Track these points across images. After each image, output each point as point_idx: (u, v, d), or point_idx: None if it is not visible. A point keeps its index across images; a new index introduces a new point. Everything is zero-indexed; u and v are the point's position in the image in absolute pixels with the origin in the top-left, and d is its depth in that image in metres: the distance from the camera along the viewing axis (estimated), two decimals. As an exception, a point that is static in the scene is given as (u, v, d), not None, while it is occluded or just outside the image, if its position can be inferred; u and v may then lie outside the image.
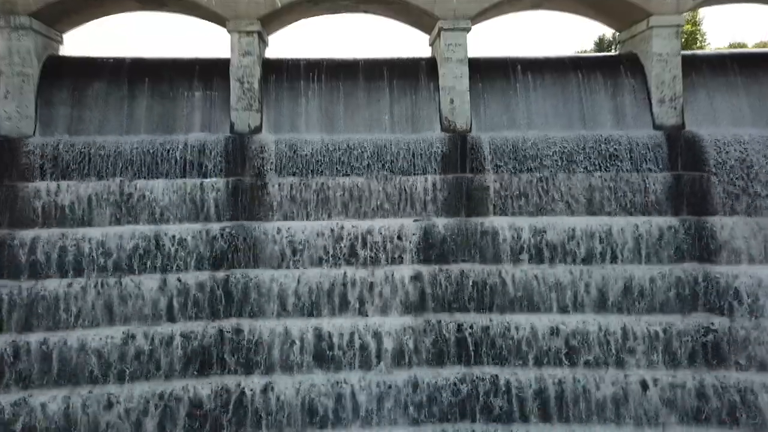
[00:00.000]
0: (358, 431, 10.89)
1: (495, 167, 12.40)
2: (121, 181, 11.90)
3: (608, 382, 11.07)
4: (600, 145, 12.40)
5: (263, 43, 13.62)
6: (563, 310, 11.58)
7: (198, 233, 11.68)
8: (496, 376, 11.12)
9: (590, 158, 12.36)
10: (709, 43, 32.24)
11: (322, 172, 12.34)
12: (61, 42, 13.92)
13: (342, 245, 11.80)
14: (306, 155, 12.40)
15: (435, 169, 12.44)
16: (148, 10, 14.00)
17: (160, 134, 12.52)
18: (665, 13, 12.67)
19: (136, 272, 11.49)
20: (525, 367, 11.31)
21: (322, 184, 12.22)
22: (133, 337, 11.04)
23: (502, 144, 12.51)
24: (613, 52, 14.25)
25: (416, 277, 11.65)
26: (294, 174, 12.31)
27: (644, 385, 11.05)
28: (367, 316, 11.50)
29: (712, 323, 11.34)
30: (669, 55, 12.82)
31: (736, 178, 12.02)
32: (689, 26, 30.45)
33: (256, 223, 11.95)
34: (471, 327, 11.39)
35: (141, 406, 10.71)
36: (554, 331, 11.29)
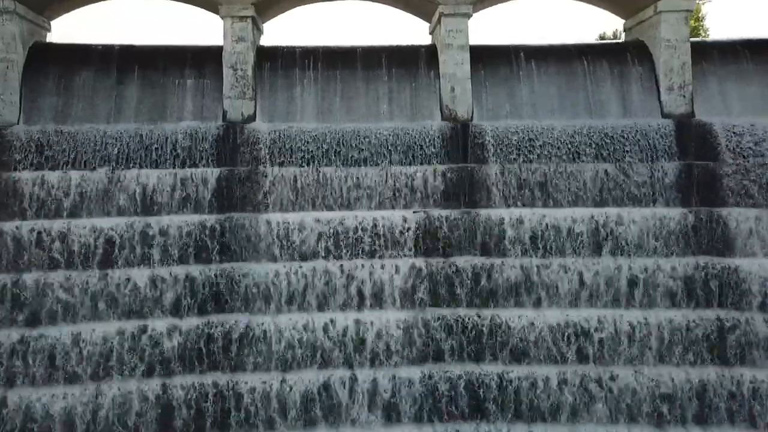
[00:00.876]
0: (357, 431, 10.39)
1: (497, 157, 11.94)
2: (108, 171, 11.42)
3: (617, 379, 10.56)
4: (607, 134, 11.95)
5: (257, 30, 13.17)
6: (569, 304, 11.11)
7: (188, 225, 11.20)
8: (500, 373, 10.63)
9: (596, 147, 11.91)
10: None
11: (318, 162, 11.88)
12: (48, 29, 13.48)
13: (338, 237, 11.33)
14: (301, 145, 11.94)
15: (435, 159, 11.99)
16: (139, -4, 13.58)
17: (150, 123, 12.06)
18: (674, -3, 12.25)
19: (125, 265, 10.99)
20: (530, 364, 10.84)
21: (318, 174, 11.76)
22: (122, 333, 10.53)
23: (505, 133, 12.05)
24: (619, 41, 13.65)
25: (415, 271, 11.17)
26: (289, 164, 11.85)
27: (653, 383, 10.55)
28: (364, 310, 11.03)
29: (724, 318, 10.85)
30: (678, 41, 12.37)
31: (749, 168, 11.54)
32: (693, 22, 29.97)
33: (249, 214, 11.49)
34: (473, 322, 10.90)
35: (126, 403, 10.20)
36: (560, 326, 10.81)
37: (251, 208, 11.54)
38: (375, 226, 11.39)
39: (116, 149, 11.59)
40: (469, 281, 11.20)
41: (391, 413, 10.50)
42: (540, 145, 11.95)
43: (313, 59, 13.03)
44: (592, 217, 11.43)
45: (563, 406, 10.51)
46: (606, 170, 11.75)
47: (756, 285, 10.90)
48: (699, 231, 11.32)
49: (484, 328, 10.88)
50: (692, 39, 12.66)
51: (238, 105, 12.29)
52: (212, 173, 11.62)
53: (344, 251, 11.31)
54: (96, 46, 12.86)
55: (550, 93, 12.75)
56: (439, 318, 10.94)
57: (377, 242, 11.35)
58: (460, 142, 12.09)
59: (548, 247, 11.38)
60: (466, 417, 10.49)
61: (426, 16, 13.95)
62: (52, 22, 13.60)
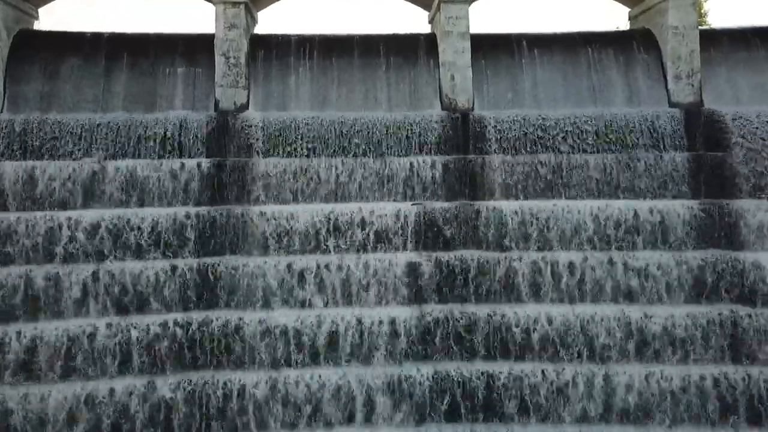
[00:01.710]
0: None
1: (500, 147, 11.52)
2: (94, 161, 10.99)
3: (625, 377, 10.11)
4: (612, 124, 11.52)
5: (251, 17, 12.75)
6: (575, 299, 10.65)
7: (178, 217, 10.76)
8: (502, 371, 10.17)
9: (602, 137, 11.49)
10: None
11: (313, 152, 11.45)
12: (35, 17, 13.07)
13: (334, 231, 10.89)
14: (296, 134, 11.51)
15: (435, 150, 11.57)
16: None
17: (139, 112, 11.65)
18: (682, -17, 11.83)
19: (111, 258, 10.55)
20: (534, 361, 10.38)
21: (313, 165, 11.32)
22: (109, 326, 10.10)
23: (507, 122, 11.62)
24: (624, 29, 13.26)
25: (414, 265, 10.74)
26: (282, 154, 11.42)
27: (664, 380, 10.09)
28: (361, 306, 10.57)
29: (736, 313, 10.40)
30: (686, 28, 11.95)
31: (761, 159, 11.10)
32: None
33: (242, 206, 11.06)
34: (473, 318, 10.45)
35: (114, 403, 9.76)
36: (566, 323, 10.36)
37: (243, 200, 11.12)
38: (372, 218, 10.97)
39: (103, 139, 11.17)
40: (469, 276, 10.76)
41: (388, 413, 10.02)
42: (543, 135, 11.53)
43: (308, 47, 12.63)
44: (598, 209, 10.99)
45: (569, 405, 10.04)
46: (612, 161, 11.33)
47: (769, 280, 10.46)
48: (709, 224, 10.88)
49: (485, 325, 10.41)
50: (700, 27, 12.20)
51: (230, 94, 11.88)
52: (202, 163, 11.19)
53: (340, 245, 10.88)
54: (84, 33, 12.46)
55: (553, 82, 12.34)
56: (438, 314, 10.49)
57: (374, 236, 10.92)
58: (461, 132, 11.67)
59: (552, 241, 10.94)
60: (469, 417, 10.03)
61: (425, 4, 13.54)
62: (40, 10, 13.19)
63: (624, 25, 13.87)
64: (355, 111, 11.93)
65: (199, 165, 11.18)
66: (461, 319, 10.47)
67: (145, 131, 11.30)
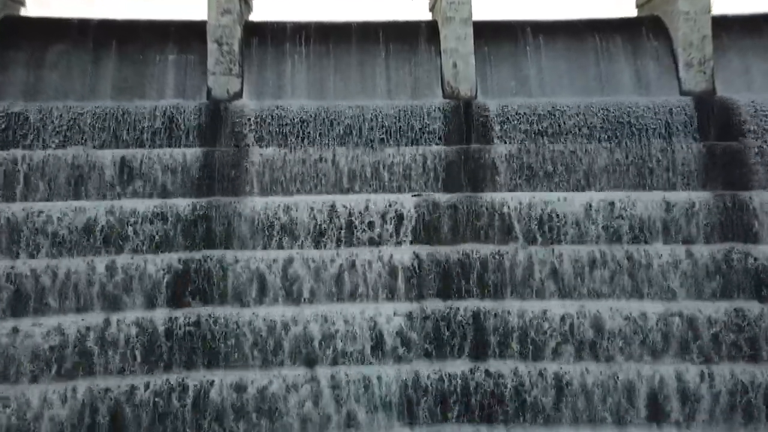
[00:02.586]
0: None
1: (503, 137, 11.06)
2: (81, 150, 10.52)
3: (636, 376, 9.62)
4: (622, 113, 11.05)
5: (245, 3, 12.31)
6: (582, 295, 10.16)
7: (168, 209, 10.30)
8: (506, 370, 9.68)
9: (610, 127, 11.02)
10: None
11: (309, 141, 10.98)
12: (22, 3, 12.61)
13: (331, 223, 10.42)
14: (291, 123, 11.06)
15: (436, 139, 11.12)
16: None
17: (128, 100, 11.18)
18: (693, -34, 11.38)
19: (98, 252, 10.08)
20: (539, 360, 9.89)
21: (309, 155, 10.86)
22: (95, 325, 9.61)
23: (511, 111, 11.16)
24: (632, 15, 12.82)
25: (415, 259, 10.26)
26: (277, 144, 10.96)
27: (678, 378, 9.60)
28: (359, 302, 10.10)
29: (751, 310, 9.90)
30: (697, 13, 11.49)
31: (777, 148, 10.64)
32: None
33: (234, 198, 10.59)
34: (476, 314, 9.96)
35: (90, 402, 9.27)
36: (573, 320, 9.86)
37: (235, 192, 10.65)
38: (370, 210, 10.49)
39: (90, 127, 10.70)
40: (472, 270, 10.27)
41: (387, 413, 9.53)
42: (549, 125, 11.06)
43: (305, 35, 12.22)
44: (607, 201, 10.51)
45: (581, 406, 9.54)
46: (621, 151, 10.86)
47: (786, 274, 9.97)
48: (723, 216, 10.39)
49: (489, 321, 9.93)
50: (712, 13, 11.72)
51: (223, 81, 11.43)
52: (193, 154, 10.73)
53: (337, 238, 10.40)
54: (72, 19, 12.03)
55: (559, 70, 11.92)
56: (440, 310, 10.00)
57: (373, 228, 10.44)
58: (463, 120, 11.21)
59: (558, 234, 10.46)
60: (473, 418, 9.54)
61: (426, -10, 13.10)
62: (31, 2, 12.74)
63: (630, 14, 13.39)
64: (353, 100, 11.48)
65: (190, 155, 10.70)
66: (464, 315, 9.96)
67: (135, 120, 10.82)
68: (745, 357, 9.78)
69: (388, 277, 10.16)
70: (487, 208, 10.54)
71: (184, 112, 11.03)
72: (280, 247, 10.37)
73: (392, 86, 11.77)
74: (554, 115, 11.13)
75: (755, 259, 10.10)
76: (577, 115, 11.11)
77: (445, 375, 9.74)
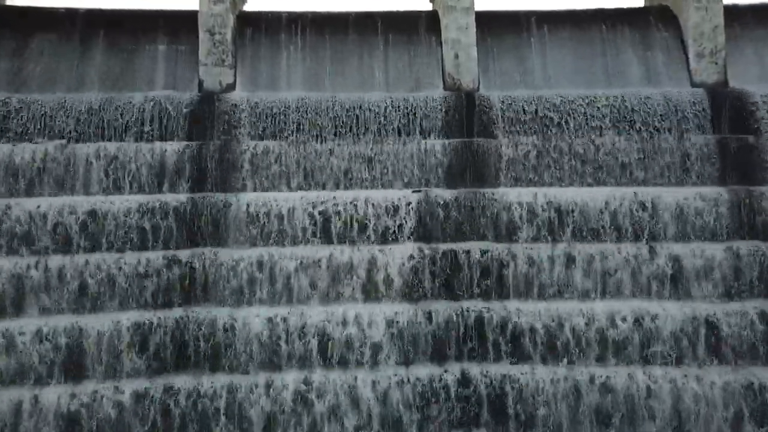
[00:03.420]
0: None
1: (507, 130, 10.63)
2: (64, 144, 10.08)
3: (645, 381, 9.16)
4: (631, 105, 10.63)
5: (239, -8, 11.85)
6: (590, 295, 9.71)
7: (156, 206, 9.85)
8: (512, 375, 9.21)
9: (620, 120, 10.58)
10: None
11: (304, 135, 10.54)
12: (6, -7, 12.16)
13: (327, 220, 9.97)
14: (286, 117, 10.63)
15: (437, 133, 10.69)
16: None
17: (116, 92, 10.75)
18: (704, -49, 10.95)
19: (82, 251, 9.62)
20: (545, 364, 9.42)
21: (305, 149, 10.42)
22: (79, 329, 9.15)
23: (516, 103, 10.73)
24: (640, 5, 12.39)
25: (415, 258, 9.80)
26: (271, 138, 10.52)
27: (695, 384, 9.13)
28: (356, 303, 9.65)
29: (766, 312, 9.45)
30: (709, 1, 11.07)
31: (794, 142, 10.20)
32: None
33: (226, 194, 10.14)
34: (479, 315, 9.50)
35: (83, 408, 8.82)
36: (581, 321, 9.39)
37: (227, 187, 10.21)
38: (368, 207, 10.04)
39: (75, 120, 10.27)
40: (475, 270, 9.82)
41: (384, 421, 9.06)
42: (555, 117, 10.63)
43: (300, 25, 11.80)
44: (615, 197, 10.07)
45: (598, 413, 9.06)
46: (631, 145, 10.43)
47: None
48: (737, 212, 9.95)
49: (492, 323, 9.47)
50: (723, 2, 11.29)
51: (215, 73, 10.99)
52: (184, 147, 10.29)
53: (333, 236, 9.96)
54: (58, 9, 11.62)
55: (564, 61, 11.51)
56: (441, 311, 9.54)
57: (371, 225, 9.99)
58: (465, 113, 10.78)
59: (565, 232, 10.01)
60: (475, 427, 9.08)
61: (426, -21, 12.66)
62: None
63: (638, 3, 12.98)
64: (350, 92, 11.02)
65: (180, 149, 10.27)
66: (467, 316, 9.51)
67: (122, 112, 10.39)
68: (762, 360, 9.31)
69: (387, 276, 9.70)
70: (490, 204, 10.09)
71: (175, 104, 10.60)
72: (274, 244, 9.92)
73: (391, 78, 11.36)
74: (560, 108, 10.70)
75: (773, 257, 9.65)
76: (584, 108, 10.69)
77: (447, 378, 9.26)
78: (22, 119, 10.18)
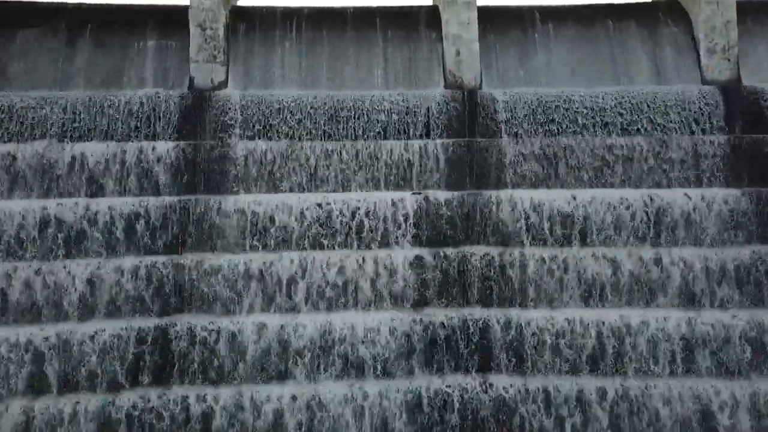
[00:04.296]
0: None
1: (511, 129, 10.22)
2: (47, 144, 9.65)
3: (660, 395, 8.72)
4: (640, 103, 10.21)
5: (232, -14, 11.42)
6: (598, 303, 9.27)
7: (144, 208, 9.43)
8: (517, 386, 8.77)
9: (627, 118, 10.16)
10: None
11: (299, 135, 10.13)
12: (-9, -13, 11.70)
13: (322, 224, 9.55)
14: (280, 115, 10.22)
15: (437, 132, 10.27)
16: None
17: (103, 90, 10.34)
18: (716, -57, 10.53)
19: (65, 256, 9.19)
20: (551, 374, 8.98)
21: (299, 149, 9.99)
22: (62, 338, 8.71)
23: (519, 102, 10.31)
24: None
25: (414, 263, 9.38)
26: (265, 137, 10.12)
27: (706, 396, 8.70)
28: (352, 311, 9.21)
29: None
30: (721, -5, 10.61)
31: (811, 141, 9.77)
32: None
33: (217, 196, 9.72)
34: (483, 324, 9.06)
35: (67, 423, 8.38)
36: (589, 330, 8.96)
37: (218, 189, 9.79)
38: (366, 210, 9.63)
39: (59, 119, 9.85)
40: (477, 276, 9.38)
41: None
42: (561, 116, 10.22)
43: (296, 20, 11.36)
44: (624, 199, 9.64)
45: (610, 427, 8.60)
46: (640, 145, 9.99)
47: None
48: (752, 216, 9.51)
49: (496, 332, 9.03)
50: (733, -5, 10.86)
51: (206, 70, 10.56)
52: (173, 148, 9.87)
53: (329, 240, 9.54)
54: (43, 3, 11.17)
55: (570, 57, 11.07)
56: (442, 320, 9.10)
57: (368, 229, 9.55)
58: (467, 112, 10.36)
59: (572, 236, 9.58)
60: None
61: (426, -26, 12.23)
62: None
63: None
64: (347, 89, 10.60)
65: (169, 149, 9.84)
66: (468, 325, 9.06)
67: (109, 111, 9.98)
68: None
69: (385, 282, 9.26)
70: (494, 207, 9.66)
71: (164, 102, 10.19)
72: (268, 248, 9.49)
73: (390, 75, 10.93)
74: (566, 107, 10.29)
75: (788, 263, 9.22)
76: (591, 107, 10.28)
77: (448, 389, 8.81)
78: (3, 119, 9.72)
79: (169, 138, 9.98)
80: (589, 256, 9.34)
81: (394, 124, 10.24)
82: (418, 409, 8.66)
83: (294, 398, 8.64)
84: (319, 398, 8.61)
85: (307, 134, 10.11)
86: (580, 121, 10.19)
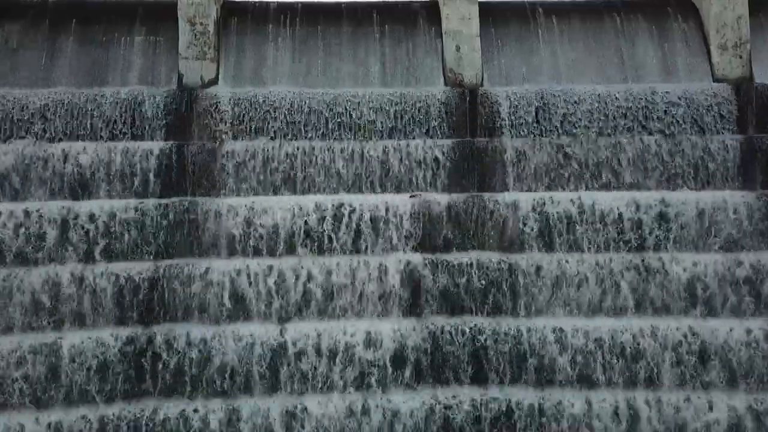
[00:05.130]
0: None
1: (514, 129, 9.84)
2: (30, 144, 9.27)
3: (669, 406, 8.34)
4: (649, 102, 9.82)
5: (223, -20, 11.00)
6: (606, 311, 8.88)
7: (129, 211, 9.04)
8: (521, 400, 8.37)
9: (635, 117, 9.79)
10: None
11: (292, 134, 9.75)
12: (-28, -19, 11.28)
13: (316, 227, 9.14)
14: (272, 114, 9.83)
15: (437, 132, 9.89)
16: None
17: (87, 87, 9.92)
18: (727, -65, 10.13)
19: (48, 261, 8.78)
20: (555, 387, 8.59)
21: (292, 149, 9.60)
22: (49, 346, 8.32)
23: (522, 100, 9.93)
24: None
25: (412, 269, 8.98)
26: (256, 137, 9.72)
27: (715, 409, 8.31)
28: (347, 319, 8.81)
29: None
30: (732, -11, 10.21)
31: (827, 142, 9.38)
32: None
33: (206, 199, 9.34)
34: (484, 334, 8.68)
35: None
36: (597, 340, 8.58)
37: (207, 191, 9.40)
38: (361, 213, 9.21)
39: (42, 118, 9.47)
40: (478, 282, 8.98)
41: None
42: (566, 115, 9.83)
43: (290, 15, 10.98)
44: (633, 202, 9.25)
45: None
46: (649, 145, 9.61)
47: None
48: (767, 219, 9.12)
49: (498, 342, 8.63)
50: (746, -11, 10.46)
51: (196, 67, 10.15)
52: (161, 148, 9.49)
53: (323, 245, 9.14)
54: (26, -3, 10.75)
55: (575, 54, 10.68)
56: (441, 329, 8.70)
57: (364, 233, 9.17)
58: (468, 111, 9.98)
59: (578, 240, 9.19)
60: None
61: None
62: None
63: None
64: (343, 88, 10.16)
65: (156, 149, 9.45)
66: (469, 334, 8.67)
67: (93, 109, 9.58)
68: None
69: (382, 290, 8.86)
70: (496, 210, 9.26)
71: (151, 100, 9.79)
72: (259, 254, 9.09)
73: (387, 73, 10.53)
74: (571, 105, 9.90)
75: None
76: (597, 105, 9.90)
77: (448, 402, 8.42)
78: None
79: (157, 138, 9.60)
80: (598, 263, 8.91)
81: (392, 123, 9.86)
82: (413, 419, 8.26)
83: (285, 411, 8.24)
84: (306, 408, 8.20)
85: (301, 134, 9.73)
86: (585, 120, 9.80)
